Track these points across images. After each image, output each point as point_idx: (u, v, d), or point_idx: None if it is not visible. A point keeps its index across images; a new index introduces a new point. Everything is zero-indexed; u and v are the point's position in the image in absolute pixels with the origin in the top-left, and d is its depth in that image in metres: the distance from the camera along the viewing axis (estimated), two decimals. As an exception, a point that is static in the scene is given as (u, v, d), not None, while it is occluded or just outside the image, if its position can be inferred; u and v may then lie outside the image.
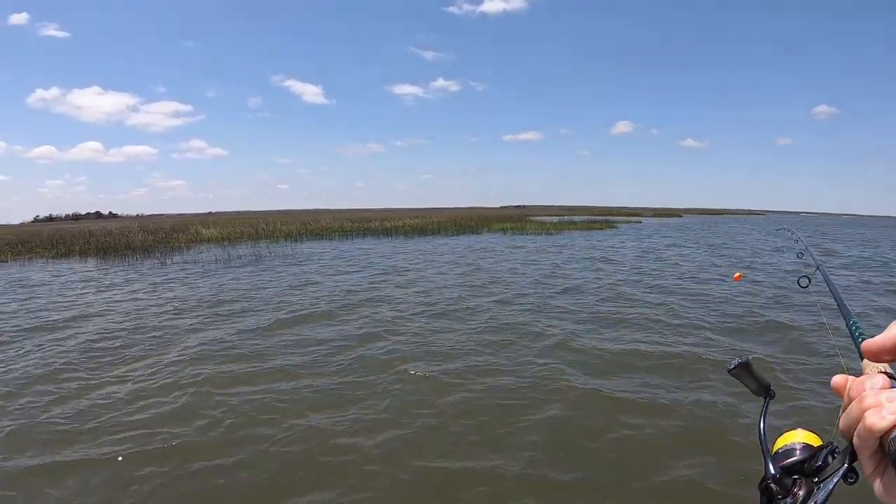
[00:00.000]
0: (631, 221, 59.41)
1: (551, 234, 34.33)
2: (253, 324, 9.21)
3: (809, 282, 3.06)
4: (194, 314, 10.29)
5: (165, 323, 9.57)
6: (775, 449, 0.74)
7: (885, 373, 0.57)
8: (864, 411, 0.53)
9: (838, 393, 0.60)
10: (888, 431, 0.50)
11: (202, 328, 9.12)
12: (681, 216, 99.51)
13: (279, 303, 11.22)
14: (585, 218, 60.07)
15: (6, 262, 22.75)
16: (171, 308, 10.96)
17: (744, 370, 0.82)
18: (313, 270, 16.76)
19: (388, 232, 34.84)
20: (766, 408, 0.85)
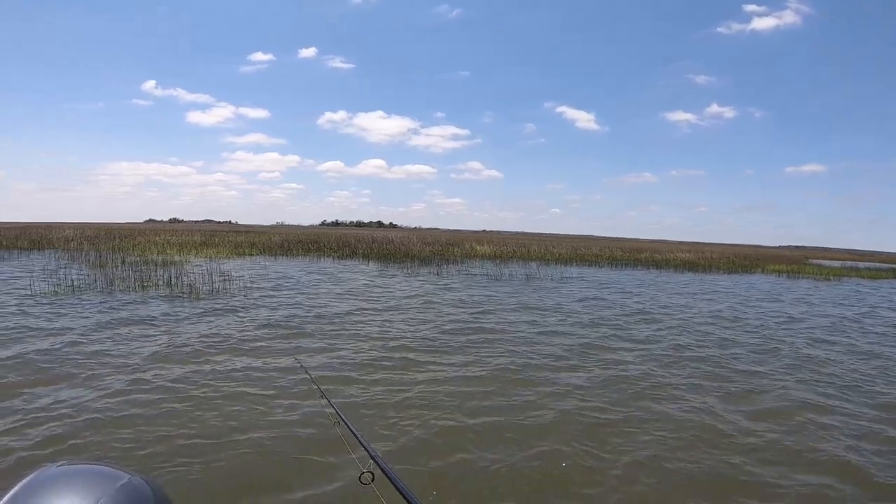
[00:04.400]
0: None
1: (830, 280, 28.49)
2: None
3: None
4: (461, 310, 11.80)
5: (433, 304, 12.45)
6: None
7: None
8: None
9: None
10: None
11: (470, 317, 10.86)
12: None
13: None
14: (871, 265, 47.37)
15: (298, 256, 24.86)
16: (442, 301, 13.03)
17: None
18: (586, 295, 15.54)
19: (657, 264, 31.06)
20: None
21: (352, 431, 2.42)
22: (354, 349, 7.57)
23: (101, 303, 10.32)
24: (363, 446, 2.19)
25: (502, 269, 21.70)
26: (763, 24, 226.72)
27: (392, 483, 1.78)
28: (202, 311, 10.08)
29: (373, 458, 2.04)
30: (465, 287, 16.08)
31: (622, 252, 35.29)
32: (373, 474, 2.00)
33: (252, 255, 24.43)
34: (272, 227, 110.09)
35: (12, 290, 11.41)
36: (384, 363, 6.92)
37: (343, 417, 2.62)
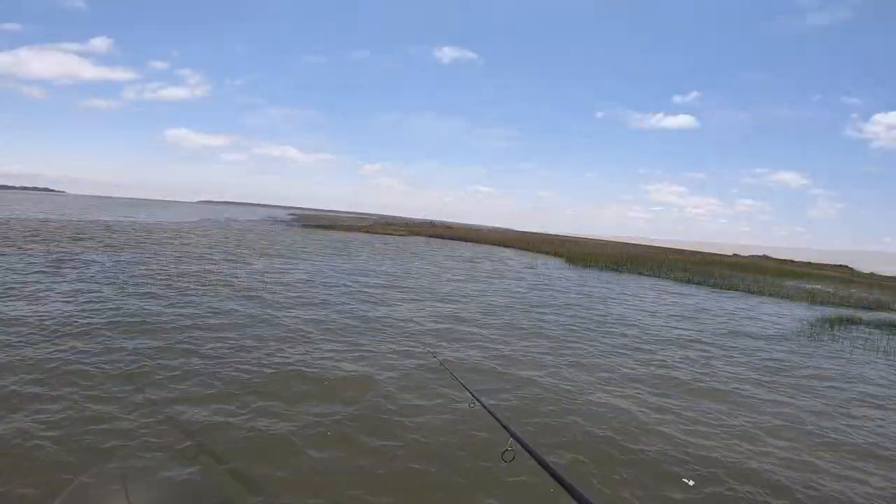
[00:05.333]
0: None
1: None
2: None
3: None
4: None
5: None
6: None
7: None
8: None
9: None
10: None
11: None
12: None
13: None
14: None
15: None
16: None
17: None
18: None
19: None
20: None
21: (490, 412, 2.55)
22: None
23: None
24: (503, 426, 2.30)
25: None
26: None
27: (535, 458, 1.89)
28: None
29: (513, 436, 2.15)
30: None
31: None
32: (514, 452, 2.11)
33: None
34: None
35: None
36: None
37: (479, 400, 2.80)
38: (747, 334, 13.62)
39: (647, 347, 10.82)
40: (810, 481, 5.35)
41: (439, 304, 13.56)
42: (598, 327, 12.48)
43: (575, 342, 10.66)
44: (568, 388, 7.58)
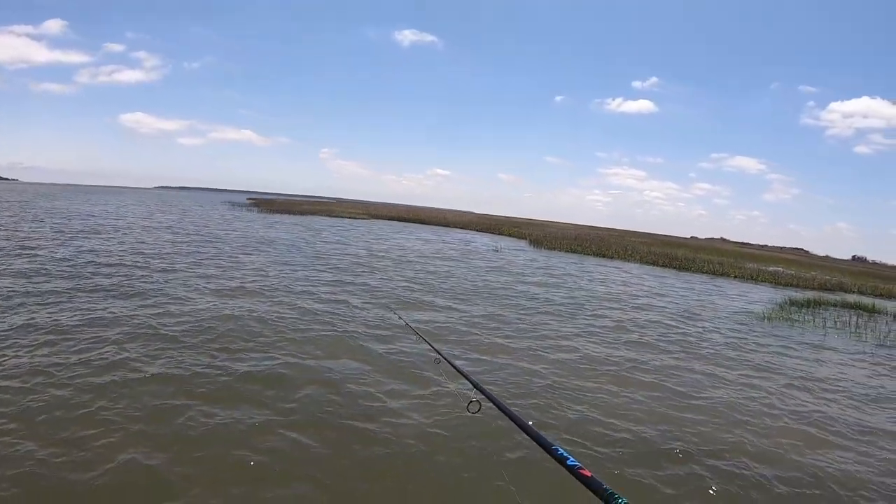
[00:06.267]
0: None
1: None
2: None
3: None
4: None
5: None
6: None
7: None
8: None
9: None
10: None
11: None
12: None
13: None
14: None
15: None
16: None
17: None
18: None
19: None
20: None
21: (454, 367, 2.63)
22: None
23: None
24: (466, 378, 2.35)
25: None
26: None
27: (500, 409, 1.92)
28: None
29: (476, 387, 2.21)
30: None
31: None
32: (479, 403, 2.17)
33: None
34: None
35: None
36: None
37: (443, 356, 2.85)
38: (721, 314, 13.28)
39: (623, 323, 10.24)
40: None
41: (408, 284, 12.69)
42: (572, 302, 11.88)
43: (552, 316, 10.04)
44: (543, 355, 6.97)
